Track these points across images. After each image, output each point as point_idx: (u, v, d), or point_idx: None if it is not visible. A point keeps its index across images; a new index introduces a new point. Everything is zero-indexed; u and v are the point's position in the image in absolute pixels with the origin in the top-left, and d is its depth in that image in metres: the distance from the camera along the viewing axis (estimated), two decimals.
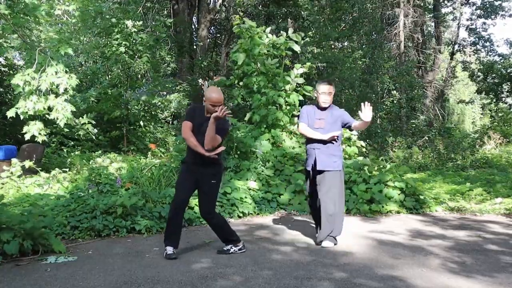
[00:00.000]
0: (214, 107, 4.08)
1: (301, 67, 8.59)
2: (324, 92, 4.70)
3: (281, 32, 8.65)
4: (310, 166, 4.80)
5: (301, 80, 8.45)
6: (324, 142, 4.68)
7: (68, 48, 8.00)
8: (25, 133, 7.89)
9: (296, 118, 8.56)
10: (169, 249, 4.22)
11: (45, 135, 7.95)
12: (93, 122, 10.96)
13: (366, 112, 4.51)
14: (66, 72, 7.87)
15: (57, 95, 7.89)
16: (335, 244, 4.75)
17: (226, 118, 4.15)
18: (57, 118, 7.77)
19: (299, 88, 8.48)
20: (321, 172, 4.71)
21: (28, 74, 7.42)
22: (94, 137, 11.25)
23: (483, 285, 3.60)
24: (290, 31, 8.53)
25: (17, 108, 7.80)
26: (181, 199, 4.27)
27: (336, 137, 4.67)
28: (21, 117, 7.89)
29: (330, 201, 4.66)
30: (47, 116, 7.96)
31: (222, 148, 4.24)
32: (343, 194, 4.86)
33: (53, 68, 7.60)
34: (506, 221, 6.33)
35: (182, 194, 4.27)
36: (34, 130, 7.79)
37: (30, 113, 7.70)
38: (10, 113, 7.90)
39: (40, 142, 8.04)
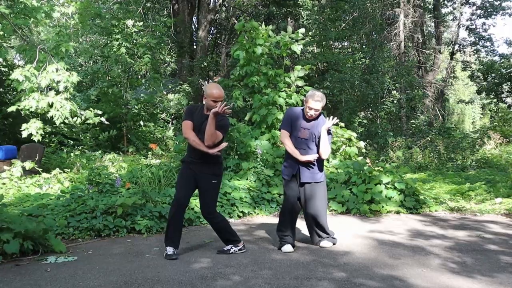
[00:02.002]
0: (215, 103, 4.08)
1: (301, 68, 8.60)
2: (311, 108, 4.45)
3: (282, 32, 8.64)
4: (289, 175, 4.60)
5: (301, 83, 8.44)
6: (305, 153, 4.50)
7: (69, 46, 8.00)
8: (24, 130, 7.87)
9: None
10: (170, 250, 4.22)
11: (42, 134, 7.93)
12: (99, 112, 10.75)
13: (327, 123, 4.47)
14: (67, 70, 7.87)
15: (57, 92, 7.89)
16: (334, 244, 4.76)
17: (225, 114, 4.16)
18: (54, 116, 7.76)
19: (299, 89, 8.48)
20: (304, 183, 4.56)
21: (28, 70, 7.42)
22: (95, 131, 11.20)
23: (483, 285, 3.60)
24: (289, 29, 8.51)
25: (18, 106, 7.81)
26: (182, 199, 4.27)
27: (314, 160, 4.50)
28: (22, 113, 7.92)
29: (322, 210, 4.61)
30: (46, 114, 7.95)
31: (224, 145, 4.25)
32: (326, 200, 4.76)
33: (54, 65, 7.60)
34: (506, 221, 6.33)
35: (183, 193, 4.27)
36: (32, 128, 7.78)
37: (32, 109, 7.70)
38: (11, 109, 7.93)
39: (36, 141, 8.02)
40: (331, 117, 4.61)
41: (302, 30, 8.58)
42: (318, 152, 4.58)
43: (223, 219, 4.49)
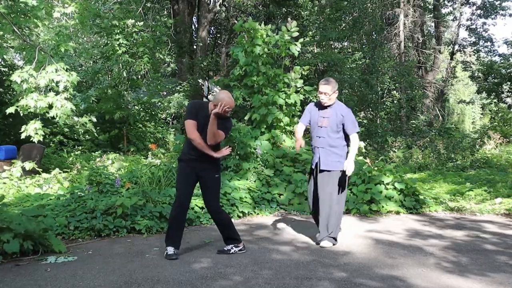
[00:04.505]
0: (226, 113, 4.11)
1: (300, 69, 8.59)
2: (321, 92, 4.66)
3: (280, 32, 8.62)
4: (314, 164, 4.81)
5: (300, 83, 8.42)
6: (325, 141, 4.67)
7: (69, 46, 7.98)
8: (23, 131, 7.82)
9: (296, 119, 8.56)
10: (170, 249, 4.22)
11: (42, 135, 7.87)
12: (94, 120, 10.94)
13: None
14: (66, 70, 7.84)
15: (57, 93, 7.86)
16: (334, 244, 4.75)
17: (227, 115, 4.17)
18: (56, 115, 7.71)
19: (299, 89, 8.47)
20: (323, 171, 4.70)
21: (27, 72, 7.39)
22: (95, 134, 11.23)
23: (483, 285, 3.60)
24: (284, 28, 8.44)
25: (17, 106, 7.77)
26: (184, 198, 4.26)
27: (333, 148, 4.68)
28: (21, 113, 7.84)
29: (331, 201, 4.67)
30: (47, 114, 7.91)
31: (228, 151, 4.25)
32: (344, 195, 4.83)
33: (53, 66, 7.57)
34: (505, 221, 6.33)
35: (185, 192, 4.26)
36: (30, 130, 7.73)
37: (31, 110, 7.66)
38: (10, 110, 7.86)
39: (36, 142, 7.98)
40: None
41: (294, 23, 8.46)
42: (346, 139, 4.74)
43: (228, 215, 4.53)
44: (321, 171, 4.70)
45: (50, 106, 7.71)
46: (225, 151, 4.24)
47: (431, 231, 5.62)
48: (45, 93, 7.78)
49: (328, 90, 4.61)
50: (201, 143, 4.13)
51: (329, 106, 4.71)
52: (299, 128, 4.87)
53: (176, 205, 4.25)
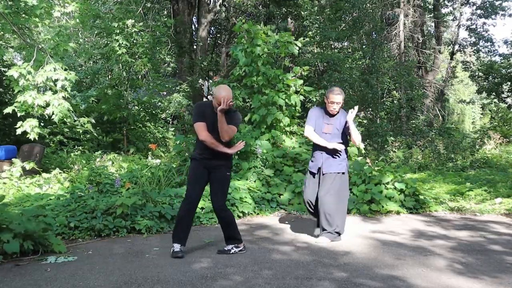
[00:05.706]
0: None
1: (300, 69, 8.58)
2: (333, 102, 4.78)
3: (281, 32, 8.63)
4: (315, 168, 4.91)
5: (299, 83, 8.41)
6: (328, 149, 4.78)
7: (68, 46, 7.97)
8: (18, 127, 7.76)
9: (296, 119, 8.56)
10: (177, 246, 4.23)
11: (38, 133, 7.79)
12: (93, 121, 10.96)
13: (350, 115, 4.71)
14: (65, 70, 7.81)
15: (55, 92, 7.83)
16: (331, 241, 4.83)
17: (233, 108, 4.22)
18: (53, 113, 7.66)
19: (299, 89, 8.46)
20: (326, 174, 4.85)
21: (25, 68, 7.36)
22: (95, 134, 11.23)
23: (483, 285, 3.60)
24: (285, 30, 8.47)
25: (15, 106, 7.73)
26: (195, 196, 4.29)
27: (339, 151, 4.79)
28: (18, 114, 7.80)
29: (330, 201, 4.78)
30: (44, 113, 7.86)
31: (242, 145, 4.31)
32: (346, 196, 4.97)
33: (52, 65, 7.55)
34: (507, 221, 6.32)
35: (196, 190, 4.28)
36: (26, 126, 7.67)
37: (29, 110, 7.61)
38: (8, 110, 7.82)
39: (32, 139, 7.92)
40: (353, 109, 4.82)
41: (289, 27, 8.48)
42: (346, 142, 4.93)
43: (232, 214, 4.53)
44: (324, 174, 4.84)
45: (47, 105, 7.66)
46: (239, 145, 4.31)
47: (433, 231, 5.61)
48: (43, 93, 7.75)
49: (341, 100, 4.80)
50: (214, 142, 4.15)
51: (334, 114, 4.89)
52: (313, 132, 4.89)
53: (186, 203, 4.27)
